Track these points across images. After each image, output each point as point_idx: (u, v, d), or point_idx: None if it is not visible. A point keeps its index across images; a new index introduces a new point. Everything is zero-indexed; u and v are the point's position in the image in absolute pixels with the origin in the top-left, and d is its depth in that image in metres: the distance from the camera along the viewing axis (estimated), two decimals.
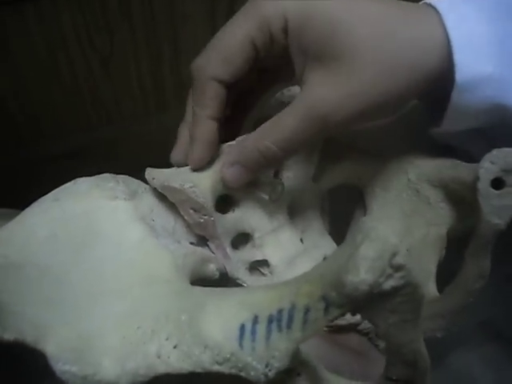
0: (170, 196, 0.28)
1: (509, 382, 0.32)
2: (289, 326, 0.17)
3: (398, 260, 0.16)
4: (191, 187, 0.27)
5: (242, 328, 0.17)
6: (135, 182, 0.28)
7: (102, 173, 0.27)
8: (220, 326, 0.18)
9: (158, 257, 0.24)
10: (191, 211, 0.28)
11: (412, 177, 0.33)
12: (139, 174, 0.28)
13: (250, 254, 0.30)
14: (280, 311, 0.17)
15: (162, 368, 0.18)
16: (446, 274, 0.31)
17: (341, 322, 0.29)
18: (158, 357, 0.18)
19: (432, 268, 0.31)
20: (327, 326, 0.29)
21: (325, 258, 0.32)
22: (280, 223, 0.31)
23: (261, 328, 0.17)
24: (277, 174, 0.31)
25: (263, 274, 0.30)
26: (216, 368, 0.18)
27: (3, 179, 0.35)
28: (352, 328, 0.30)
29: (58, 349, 0.18)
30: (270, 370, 0.17)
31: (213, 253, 0.29)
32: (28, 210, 0.25)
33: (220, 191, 0.28)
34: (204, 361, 0.18)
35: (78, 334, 0.18)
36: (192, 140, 0.28)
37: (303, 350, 0.19)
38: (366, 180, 0.34)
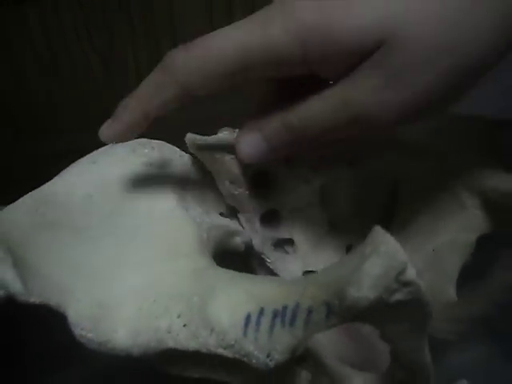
0: (207, 164, 0.28)
1: (504, 380, 0.32)
2: (291, 323, 0.17)
3: (407, 277, 0.16)
4: (232, 158, 0.27)
5: (248, 318, 0.18)
6: (171, 149, 0.29)
7: None
8: (227, 312, 0.19)
9: (184, 230, 0.25)
10: (227, 182, 0.28)
11: (451, 180, 0.32)
12: None
13: (276, 231, 0.30)
14: (285, 308, 0.18)
15: (171, 343, 0.19)
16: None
17: None
18: (169, 332, 0.19)
19: (454, 272, 0.31)
20: None
21: (349, 246, 0.32)
22: (310, 205, 0.31)
23: (265, 320, 0.18)
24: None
25: (287, 252, 0.31)
26: (220, 351, 0.19)
27: (2, 177, 0.36)
28: None
29: (78, 315, 0.19)
30: (270, 361, 0.18)
31: (242, 226, 0.30)
32: (66, 171, 0.27)
33: (258, 166, 0.28)
34: (210, 343, 0.19)
35: (98, 302, 0.20)
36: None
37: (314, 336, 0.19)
38: (403, 174, 0.34)
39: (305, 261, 0.30)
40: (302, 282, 0.18)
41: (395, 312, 0.17)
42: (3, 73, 0.42)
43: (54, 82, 0.44)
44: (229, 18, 0.49)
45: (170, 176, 0.28)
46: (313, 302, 0.17)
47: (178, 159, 0.29)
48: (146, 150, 0.28)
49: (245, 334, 0.18)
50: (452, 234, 0.32)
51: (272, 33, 0.21)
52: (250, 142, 0.24)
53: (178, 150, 0.29)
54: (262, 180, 0.30)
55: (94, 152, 0.27)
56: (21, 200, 0.25)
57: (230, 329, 0.18)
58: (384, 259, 0.16)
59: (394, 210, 0.34)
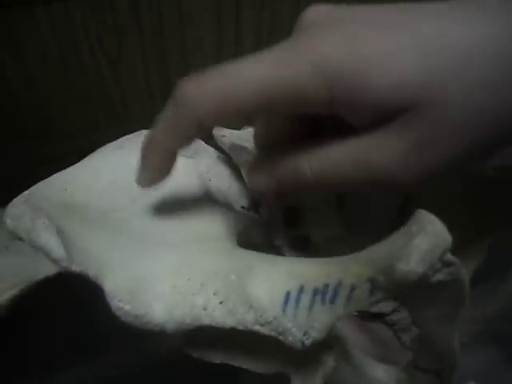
0: (235, 156, 0.28)
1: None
2: (332, 301, 0.18)
3: (450, 257, 0.17)
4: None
5: (288, 295, 0.18)
6: (198, 141, 0.29)
7: None
8: (267, 289, 0.19)
9: (212, 215, 0.25)
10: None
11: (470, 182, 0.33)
12: None
13: (295, 227, 0.31)
14: (326, 286, 0.18)
15: (206, 320, 0.19)
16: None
17: (372, 309, 0.30)
18: (204, 309, 0.19)
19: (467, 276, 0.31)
20: (357, 311, 0.30)
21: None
22: (328, 204, 0.31)
23: (305, 298, 0.18)
24: None
25: (303, 250, 0.31)
26: (257, 328, 0.19)
27: (11, 177, 0.36)
28: (379, 317, 0.31)
29: (114, 287, 0.19)
30: (307, 339, 0.18)
31: (263, 219, 0.30)
32: (93, 154, 0.27)
33: None
34: (247, 320, 0.19)
35: (134, 276, 0.20)
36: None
37: (337, 326, 0.20)
38: None
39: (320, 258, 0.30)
40: (344, 260, 0.19)
41: (435, 293, 0.18)
42: (12, 73, 0.42)
43: (62, 82, 0.44)
44: (237, 19, 0.49)
45: (197, 166, 0.28)
46: (356, 279, 0.17)
47: (203, 151, 0.29)
48: None
49: (284, 311, 0.18)
50: (466, 237, 0.32)
51: (297, 71, 0.19)
52: (261, 179, 0.24)
53: (202, 142, 0.30)
54: None
55: (123, 138, 0.27)
56: (48, 180, 0.25)
57: (268, 305, 0.18)
58: (431, 237, 0.16)
59: (408, 211, 0.35)
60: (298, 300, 0.18)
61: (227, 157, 0.29)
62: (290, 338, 0.18)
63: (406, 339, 0.31)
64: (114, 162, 0.26)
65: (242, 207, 0.30)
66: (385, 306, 0.30)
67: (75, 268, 0.19)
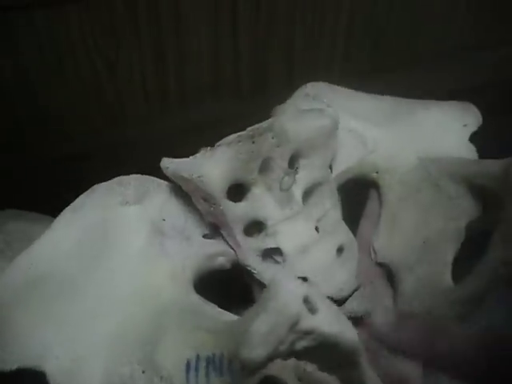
0: (182, 185, 0.29)
1: None
2: (221, 372, 0.19)
3: (304, 325, 0.17)
4: (199, 177, 0.28)
5: (188, 364, 0.20)
6: (148, 181, 0.31)
7: (107, 175, 0.29)
8: (171, 359, 0.20)
9: (156, 268, 0.26)
10: (201, 200, 0.29)
11: (433, 171, 0.32)
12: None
13: (262, 241, 0.31)
14: (214, 355, 0.19)
15: None
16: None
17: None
18: (131, 378, 0.21)
19: (448, 259, 0.31)
20: None
21: (340, 247, 0.32)
22: (294, 211, 0.31)
23: (202, 367, 0.20)
24: (293, 162, 0.31)
25: (277, 262, 0.31)
26: None
27: (10, 181, 0.38)
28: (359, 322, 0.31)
29: (54, 370, 0.22)
30: None
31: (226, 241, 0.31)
32: (53, 223, 0.29)
33: (231, 180, 0.29)
34: None
35: (73, 355, 0.22)
36: None
37: None
38: (383, 174, 0.34)
39: (294, 268, 0.31)
40: (228, 329, 0.20)
41: (316, 354, 0.18)
42: (10, 75, 0.42)
43: (58, 84, 0.45)
44: (233, 17, 0.48)
45: (146, 210, 0.29)
46: (231, 354, 0.18)
47: (156, 189, 0.30)
48: (122, 189, 0.29)
49: (187, 379, 0.20)
50: (441, 225, 0.32)
51: None
52: None
53: (155, 179, 0.31)
54: (240, 194, 0.30)
55: (76, 200, 0.29)
56: (16, 259, 0.27)
57: (175, 374, 0.20)
58: (272, 316, 0.17)
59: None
60: (197, 368, 0.20)
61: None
62: None
63: None
64: (71, 227, 0.28)
65: (204, 235, 0.31)
66: (360, 311, 0.31)
67: (10, 367, 0.22)
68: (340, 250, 0.33)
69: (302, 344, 0.18)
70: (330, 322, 0.18)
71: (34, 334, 0.23)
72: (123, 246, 0.28)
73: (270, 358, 0.17)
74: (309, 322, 0.17)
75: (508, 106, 0.52)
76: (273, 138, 0.30)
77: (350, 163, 0.34)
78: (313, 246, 0.32)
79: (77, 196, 0.29)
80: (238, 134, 0.29)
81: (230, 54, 0.50)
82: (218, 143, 0.30)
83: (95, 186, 0.29)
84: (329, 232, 0.33)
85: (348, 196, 0.35)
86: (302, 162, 0.32)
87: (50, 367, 0.22)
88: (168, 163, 0.29)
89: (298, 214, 0.31)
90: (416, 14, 0.53)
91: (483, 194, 0.30)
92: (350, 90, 0.38)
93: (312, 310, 0.18)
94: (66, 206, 0.29)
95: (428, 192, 0.32)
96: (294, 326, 0.17)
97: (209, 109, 0.50)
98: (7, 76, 0.42)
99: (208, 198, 0.29)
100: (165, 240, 0.29)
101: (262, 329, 0.17)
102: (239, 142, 0.29)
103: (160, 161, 0.30)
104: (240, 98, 0.52)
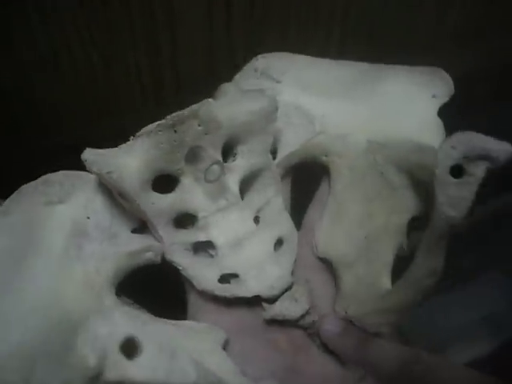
0: (102, 180, 0.28)
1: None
2: None
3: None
4: (108, 173, 0.26)
5: None
6: (75, 176, 0.29)
7: None
8: None
9: (69, 275, 0.26)
10: (118, 196, 0.28)
11: (379, 158, 0.29)
12: None
13: (194, 234, 0.29)
14: None
15: None
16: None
17: (277, 317, 0.29)
18: None
19: (388, 258, 0.29)
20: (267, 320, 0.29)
21: (279, 240, 0.31)
22: (228, 202, 0.29)
23: None
24: (229, 149, 0.29)
25: (211, 256, 0.30)
26: None
27: (4, 172, 0.37)
28: (292, 323, 0.30)
29: None
30: None
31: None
32: None
33: (153, 171, 0.27)
34: None
35: None
36: None
37: None
38: (332, 157, 0.31)
39: (224, 263, 0.29)
40: None
41: None
42: (4, 69, 0.42)
43: (54, 78, 0.44)
44: (228, 15, 0.46)
45: (70, 209, 0.28)
46: None
47: (82, 186, 0.29)
48: (47, 188, 0.28)
49: None
50: (383, 218, 0.29)
51: None
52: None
53: (84, 174, 0.29)
54: (169, 185, 0.29)
55: (6, 201, 0.28)
56: None
57: None
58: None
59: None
60: None
61: None
62: None
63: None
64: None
65: (134, 230, 0.30)
66: (292, 311, 0.29)
67: None
68: (279, 243, 0.31)
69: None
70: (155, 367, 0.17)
71: None
72: (44, 250, 0.27)
73: None
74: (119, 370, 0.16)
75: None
76: (199, 125, 0.27)
77: (296, 145, 0.31)
78: (248, 238, 0.30)
79: None
80: (158, 122, 0.27)
81: (225, 48, 0.49)
82: (138, 133, 0.28)
83: (22, 187, 0.28)
84: (269, 223, 0.31)
85: (301, 181, 0.32)
86: (239, 149, 0.29)
87: None
88: (88, 155, 0.27)
89: (233, 204, 0.30)
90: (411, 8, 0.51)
91: (423, 188, 0.27)
92: (312, 58, 0.35)
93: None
94: None
95: (373, 181, 0.29)
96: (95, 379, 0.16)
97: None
98: (3, 71, 0.42)
99: (122, 194, 0.27)
100: (84, 242, 0.28)
101: None
102: (159, 131, 0.27)
103: None
104: None
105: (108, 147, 0.27)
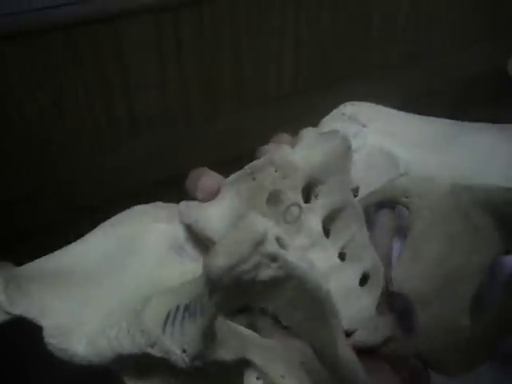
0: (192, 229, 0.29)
1: None
2: (195, 315, 0.19)
3: (268, 248, 0.17)
4: (195, 221, 0.29)
5: (168, 316, 0.20)
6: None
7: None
8: (153, 313, 0.21)
9: (169, 267, 0.28)
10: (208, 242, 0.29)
11: (463, 199, 0.31)
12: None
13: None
14: (191, 301, 0.19)
15: (119, 349, 0.22)
16: None
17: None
18: (117, 339, 0.22)
19: (466, 298, 0.29)
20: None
21: (364, 274, 0.32)
22: (312, 240, 0.31)
23: (179, 316, 0.20)
24: (310, 190, 0.31)
25: None
26: (149, 351, 0.21)
27: None
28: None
29: (49, 325, 0.23)
30: (186, 356, 0.20)
31: None
32: (92, 233, 0.30)
33: (234, 218, 0.29)
34: (141, 343, 0.21)
35: (70, 319, 0.23)
36: None
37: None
38: (413, 198, 0.33)
39: None
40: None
41: (281, 292, 0.18)
42: None
43: (3, 127, 0.47)
44: (178, 48, 0.49)
45: (174, 228, 0.30)
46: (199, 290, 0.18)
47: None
48: (157, 209, 0.31)
49: (163, 330, 0.20)
50: (463, 259, 0.30)
51: None
52: None
53: None
54: None
55: (116, 216, 0.30)
56: (52, 254, 0.29)
57: (153, 327, 0.20)
58: (240, 231, 0.17)
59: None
60: (174, 318, 0.20)
61: None
62: (174, 358, 0.20)
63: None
64: (106, 237, 0.30)
65: None
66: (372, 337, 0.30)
67: (16, 312, 0.23)
68: (365, 279, 0.32)
69: (267, 273, 0.17)
70: (299, 258, 0.18)
71: (43, 298, 0.24)
72: (145, 253, 0.29)
73: (235, 280, 0.17)
74: (275, 247, 0.17)
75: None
76: (276, 171, 0.30)
77: (378, 185, 0.34)
78: (332, 274, 0.31)
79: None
80: (237, 173, 0.30)
81: (178, 81, 0.51)
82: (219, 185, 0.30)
83: (135, 207, 0.31)
84: (354, 258, 0.32)
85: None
86: (319, 189, 0.32)
87: (45, 322, 0.23)
88: (181, 206, 0.30)
89: (317, 242, 0.31)
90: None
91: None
92: (398, 112, 0.37)
93: (282, 246, 0.18)
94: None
95: (456, 221, 0.31)
96: (258, 244, 0.17)
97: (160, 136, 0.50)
98: None
99: (209, 240, 0.29)
100: (182, 253, 0.30)
101: (225, 241, 0.17)
102: (239, 180, 0.30)
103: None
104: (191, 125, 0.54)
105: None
